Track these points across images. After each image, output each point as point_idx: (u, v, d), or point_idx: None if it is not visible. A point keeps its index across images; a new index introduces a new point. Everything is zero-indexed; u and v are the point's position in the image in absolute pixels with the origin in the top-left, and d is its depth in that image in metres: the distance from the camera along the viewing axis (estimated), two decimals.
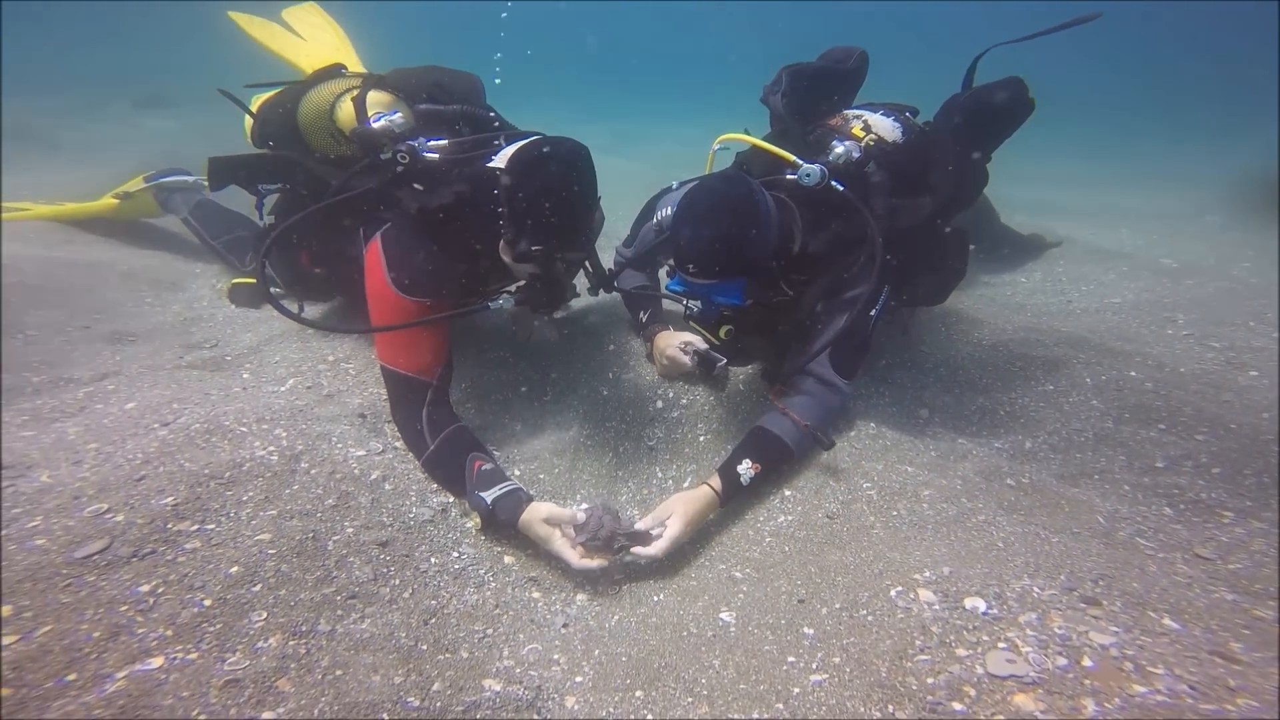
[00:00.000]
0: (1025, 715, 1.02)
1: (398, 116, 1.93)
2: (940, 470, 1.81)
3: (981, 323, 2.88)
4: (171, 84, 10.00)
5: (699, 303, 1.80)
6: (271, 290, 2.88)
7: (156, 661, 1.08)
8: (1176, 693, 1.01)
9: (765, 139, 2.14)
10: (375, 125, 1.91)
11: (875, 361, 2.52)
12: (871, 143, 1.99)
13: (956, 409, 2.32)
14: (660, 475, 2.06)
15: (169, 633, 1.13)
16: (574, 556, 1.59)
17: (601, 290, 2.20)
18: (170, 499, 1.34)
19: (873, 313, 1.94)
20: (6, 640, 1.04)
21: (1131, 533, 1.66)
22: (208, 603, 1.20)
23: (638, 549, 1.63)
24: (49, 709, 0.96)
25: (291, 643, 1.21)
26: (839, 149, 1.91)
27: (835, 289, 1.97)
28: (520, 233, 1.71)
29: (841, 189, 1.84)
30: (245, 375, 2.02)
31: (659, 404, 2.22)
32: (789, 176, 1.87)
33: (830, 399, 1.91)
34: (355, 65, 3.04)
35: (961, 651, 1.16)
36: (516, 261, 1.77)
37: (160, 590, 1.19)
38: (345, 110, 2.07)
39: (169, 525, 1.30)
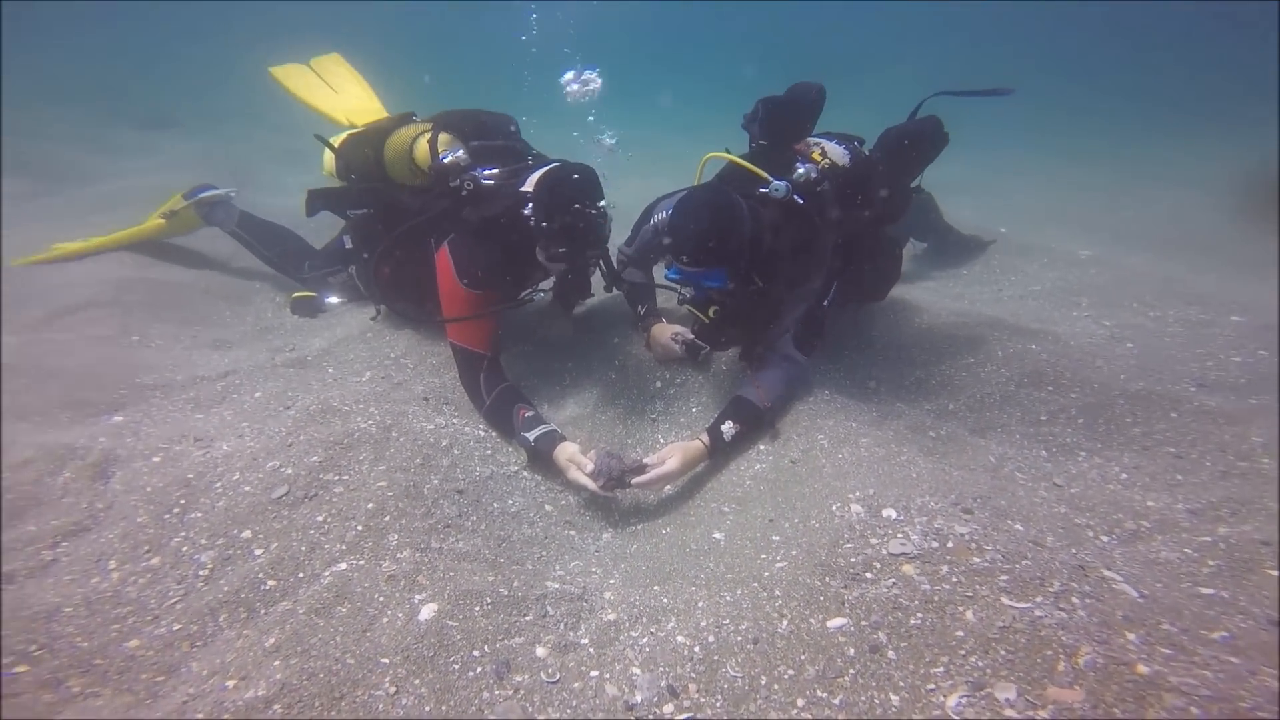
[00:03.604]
0: (906, 576, 1.59)
1: (460, 153, 2.47)
2: (878, 425, 2.39)
3: (923, 309, 3.46)
4: (170, 101, 9.79)
5: (691, 289, 2.33)
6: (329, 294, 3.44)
7: (343, 565, 1.61)
8: (994, 559, 1.57)
9: (743, 158, 2.59)
10: (446, 161, 2.47)
11: (831, 346, 3.08)
12: (826, 165, 2.50)
13: (898, 379, 2.90)
14: (661, 440, 2.61)
15: (343, 546, 1.66)
16: (588, 482, 2.10)
17: (614, 287, 2.75)
18: (316, 458, 1.86)
19: (825, 302, 2.50)
20: (258, 550, 1.57)
21: (1013, 469, 2.25)
22: (360, 528, 1.73)
23: (640, 479, 2.12)
24: (299, 594, 1.49)
25: (418, 554, 1.74)
26: (800, 169, 2.40)
27: (795, 282, 2.50)
28: (549, 240, 2.28)
29: (800, 201, 2.36)
30: (330, 370, 2.53)
31: (658, 383, 2.76)
32: (761, 190, 2.35)
33: (793, 371, 2.47)
34: (380, 111, 3.53)
35: (874, 540, 1.72)
36: (550, 261, 2.32)
37: (329, 520, 1.71)
38: (421, 149, 2.62)
39: (320, 476, 1.82)
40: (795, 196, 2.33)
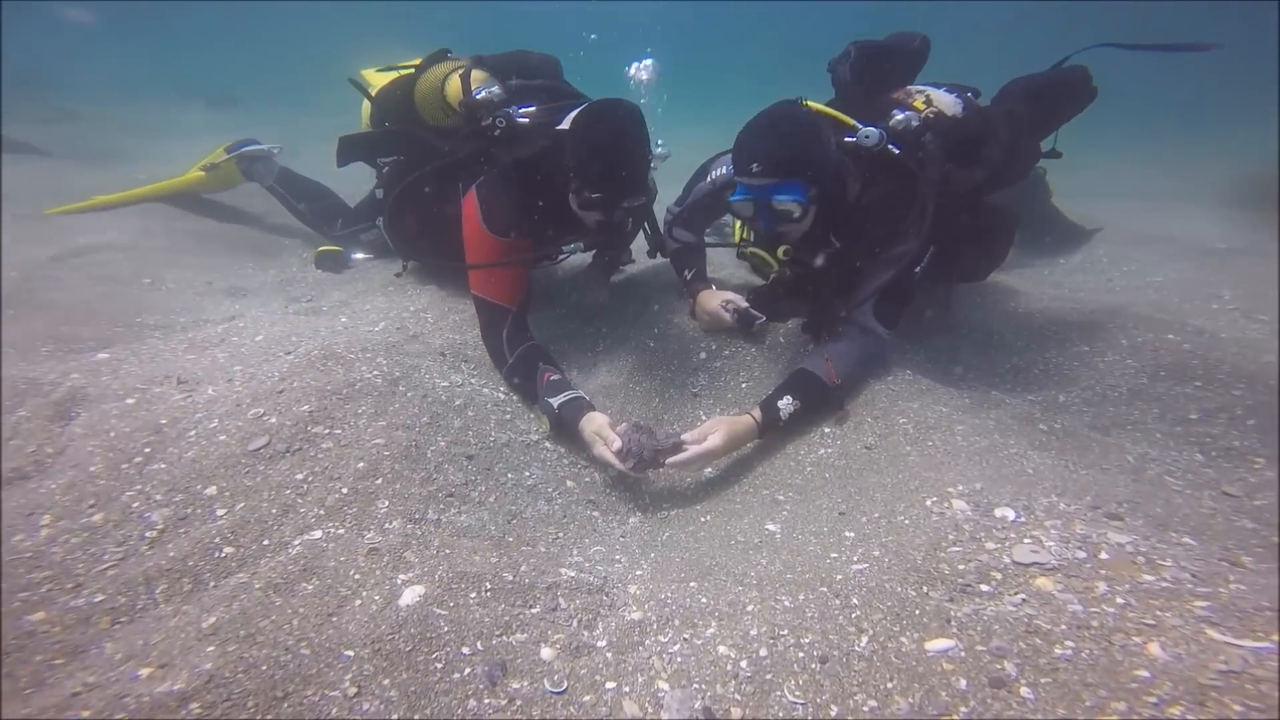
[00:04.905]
0: (1042, 593, 1.17)
1: (496, 89, 2.21)
2: (973, 411, 1.94)
3: (1017, 293, 2.96)
4: (237, 86, 11.06)
5: (759, 220, 1.92)
6: (356, 248, 3.25)
7: (317, 534, 1.32)
8: (1179, 579, 1.14)
9: (828, 105, 2.24)
10: (478, 97, 2.21)
11: (910, 326, 2.64)
12: (931, 115, 2.10)
13: (990, 367, 2.43)
14: (704, 418, 2.23)
15: (321, 512, 1.37)
16: (615, 461, 1.77)
17: (659, 253, 2.40)
18: (306, 407, 1.59)
19: (918, 270, 2.07)
20: (220, 510, 1.30)
21: (1160, 472, 1.77)
22: (345, 490, 1.44)
23: (676, 459, 1.77)
24: (260, 565, 1.21)
25: (410, 526, 1.44)
26: (899, 116, 2.04)
27: (884, 243, 2.09)
28: (582, 182, 1.95)
29: (897, 152, 1.97)
30: (343, 319, 2.29)
31: (702, 354, 2.40)
32: (848, 140, 1.99)
33: (871, 346, 2.05)
34: None
35: (991, 545, 1.31)
36: (582, 209, 2.00)
37: (310, 479, 1.43)
38: (453, 85, 2.38)
39: (308, 428, 1.55)
40: (890, 146, 1.95)
